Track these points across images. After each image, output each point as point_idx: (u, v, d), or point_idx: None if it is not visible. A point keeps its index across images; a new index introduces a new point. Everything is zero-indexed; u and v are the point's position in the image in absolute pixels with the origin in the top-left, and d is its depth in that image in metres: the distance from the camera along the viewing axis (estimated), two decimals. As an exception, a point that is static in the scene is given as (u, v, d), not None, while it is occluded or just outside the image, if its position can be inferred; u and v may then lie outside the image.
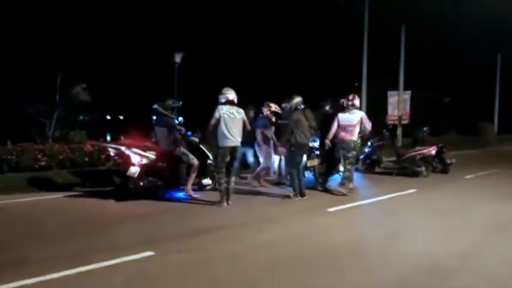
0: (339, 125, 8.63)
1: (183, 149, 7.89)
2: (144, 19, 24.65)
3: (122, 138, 9.15)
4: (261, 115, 9.58)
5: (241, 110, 7.36)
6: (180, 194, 7.95)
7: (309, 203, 7.79)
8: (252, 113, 9.78)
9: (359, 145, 10.10)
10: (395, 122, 18.49)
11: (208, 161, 8.60)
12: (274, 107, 9.50)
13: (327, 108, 9.53)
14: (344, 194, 8.46)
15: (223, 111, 7.12)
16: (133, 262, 4.33)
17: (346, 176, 8.65)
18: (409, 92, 19.00)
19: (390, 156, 13.73)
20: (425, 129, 13.54)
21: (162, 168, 7.86)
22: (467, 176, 11.92)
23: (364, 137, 12.98)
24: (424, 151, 11.85)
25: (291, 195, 7.98)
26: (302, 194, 7.99)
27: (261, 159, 9.53)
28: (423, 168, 11.68)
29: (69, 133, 11.50)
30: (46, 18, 19.97)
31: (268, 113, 9.47)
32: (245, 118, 7.44)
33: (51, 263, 4.16)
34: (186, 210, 7.04)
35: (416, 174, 11.57)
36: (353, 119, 8.60)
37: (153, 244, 4.87)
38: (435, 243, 5.28)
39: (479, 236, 5.70)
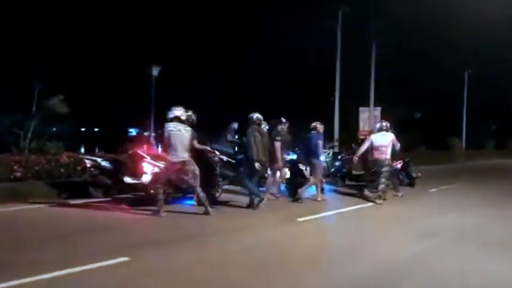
0: (372, 146, 9.86)
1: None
2: (122, 33, 24.87)
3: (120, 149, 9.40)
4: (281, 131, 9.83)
5: (189, 128, 7.57)
6: (190, 202, 8.43)
7: (281, 213, 8.23)
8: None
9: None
10: (366, 137, 19.16)
11: (215, 172, 8.87)
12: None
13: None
14: (380, 203, 9.40)
15: (170, 128, 7.43)
16: (107, 267, 4.59)
17: (382, 188, 9.65)
18: (379, 108, 19.77)
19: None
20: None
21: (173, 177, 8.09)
22: (431, 190, 12.55)
23: (334, 152, 13.58)
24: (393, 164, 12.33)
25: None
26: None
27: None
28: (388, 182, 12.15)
29: (45, 144, 11.56)
30: (24, 31, 20.04)
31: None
32: (192, 136, 7.57)
33: (28, 268, 4.38)
34: (168, 219, 7.29)
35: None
36: (385, 140, 9.76)
37: (129, 250, 5.14)
38: (391, 250, 5.73)
39: (431, 244, 6.19)
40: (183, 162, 7.49)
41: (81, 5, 23.60)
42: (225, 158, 10.94)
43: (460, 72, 34.20)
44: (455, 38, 31.67)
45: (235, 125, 11.81)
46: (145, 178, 8.00)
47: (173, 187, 8.39)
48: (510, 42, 31.48)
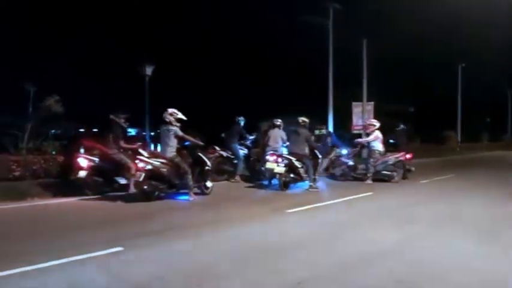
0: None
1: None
2: (116, 32, 25.09)
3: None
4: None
5: (172, 127, 8.71)
6: (185, 197, 8.75)
7: (271, 205, 8.52)
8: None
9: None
10: (360, 131, 19.48)
11: (206, 167, 9.36)
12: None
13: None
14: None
15: (162, 129, 8.88)
16: (103, 256, 4.85)
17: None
18: (372, 103, 20.03)
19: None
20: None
21: (166, 173, 8.63)
22: (423, 181, 12.83)
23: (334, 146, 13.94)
24: (397, 155, 12.62)
25: None
26: None
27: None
28: (394, 173, 12.42)
29: (42, 144, 11.76)
30: (19, 32, 20.24)
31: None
32: (178, 133, 8.72)
33: (26, 258, 4.62)
34: (162, 212, 7.57)
35: (389, 179, 12.30)
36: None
37: (123, 240, 5.40)
38: (375, 236, 6.00)
39: (415, 229, 6.47)
40: (170, 158, 8.60)
41: (77, 4, 23.81)
42: (224, 154, 11.73)
43: (453, 66, 34.40)
44: (448, 30, 31.89)
45: (242, 120, 12.24)
46: (139, 174, 8.27)
47: (167, 183, 8.72)
48: (504, 33, 31.64)
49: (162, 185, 8.67)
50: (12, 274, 4.20)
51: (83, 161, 8.88)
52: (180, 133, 8.74)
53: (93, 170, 8.92)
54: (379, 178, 12.27)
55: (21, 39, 20.56)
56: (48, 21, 22.44)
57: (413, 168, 13.74)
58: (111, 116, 9.13)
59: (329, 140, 14.73)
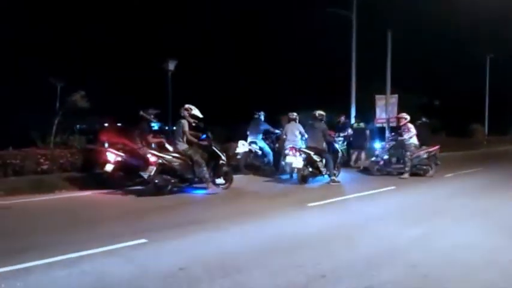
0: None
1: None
2: (138, 26, 25.37)
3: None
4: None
5: (183, 121, 9.03)
6: (201, 191, 8.89)
7: (292, 198, 8.57)
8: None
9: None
10: (383, 125, 19.18)
11: (221, 161, 9.35)
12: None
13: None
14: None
15: (176, 123, 9.30)
16: (127, 247, 4.97)
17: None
18: (396, 95, 19.66)
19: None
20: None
21: (178, 167, 8.74)
22: (447, 175, 12.57)
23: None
24: (430, 149, 12.39)
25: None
26: None
27: None
28: (429, 168, 12.17)
29: (69, 138, 12.06)
30: (44, 30, 20.72)
31: None
32: (183, 128, 8.97)
33: (55, 249, 4.79)
34: (181, 206, 7.69)
35: (424, 173, 12.08)
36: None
37: (147, 233, 5.51)
38: (397, 229, 5.94)
39: (440, 223, 6.38)
40: (182, 151, 8.90)
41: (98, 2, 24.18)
42: (253, 149, 11.91)
43: (481, 57, 33.43)
44: (476, 22, 30.92)
45: (262, 115, 12.30)
46: (150, 168, 8.39)
47: (178, 177, 8.81)
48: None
49: (174, 179, 8.73)
50: (40, 264, 4.35)
51: (111, 155, 9.06)
52: (185, 128, 8.94)
53: (119, 164, 9.10)
54: (414, 172, 12.01)
55: (47, 33, 21.02)
56: (73, 18, 22.89)
57: (439, 162, 13.46)
58: (141, 113, 9.27)
59: (367, 133, 14.65)
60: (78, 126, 16.94)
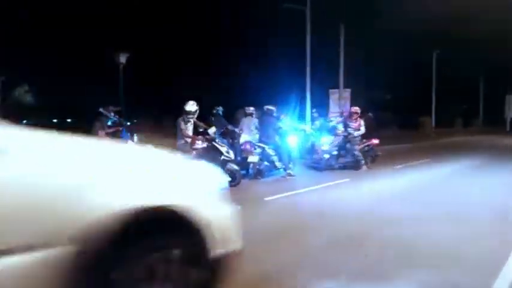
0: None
1: None
2: (88, 20, 24.42)
3: None
4: None
5: (178, 119, 9.23)
6: None
7: (248, 193, 8.52)
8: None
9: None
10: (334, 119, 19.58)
11: (222, 157, 9.06)
12: None
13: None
14: None
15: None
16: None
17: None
18: (349, 90, 20.12)
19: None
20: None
21: None
22: (397, 166, 13.01)
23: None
24: (369, 143, 12.75)
25: None
26: None
27: None
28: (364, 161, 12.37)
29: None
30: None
31: None
32: (180, 127, 9.14)
33: None
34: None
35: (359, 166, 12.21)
36: None
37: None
38: (353, 219, 6.06)
39: (392, 205, 6.57)
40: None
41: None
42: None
43: (428, 53, 34.80)
44: (423, 18, 32.05)
45: (220, 110, 12.14)
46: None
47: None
48: (480, 21, 32.03)
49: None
50: None
51: None
52: (181, 126, 9.11)
53: None
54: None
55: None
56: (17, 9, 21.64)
57: (380, 153, 13.73)
58: (101, 109, 9.28)
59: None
60: (24, 121, 16.11)
